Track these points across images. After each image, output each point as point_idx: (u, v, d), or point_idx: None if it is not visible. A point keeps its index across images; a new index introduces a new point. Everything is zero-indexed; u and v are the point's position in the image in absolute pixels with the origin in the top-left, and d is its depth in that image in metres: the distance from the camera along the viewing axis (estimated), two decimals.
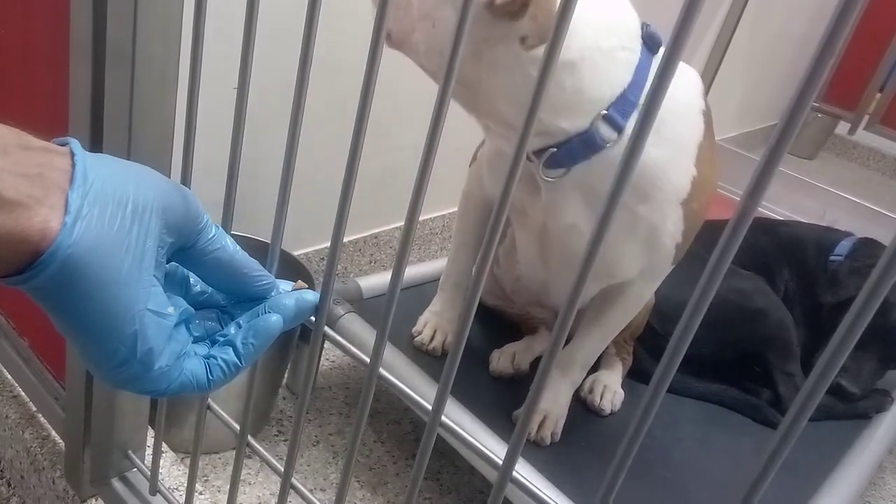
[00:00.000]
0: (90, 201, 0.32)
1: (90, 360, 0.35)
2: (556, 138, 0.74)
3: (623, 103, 0.72)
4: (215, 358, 0.39)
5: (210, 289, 0.43)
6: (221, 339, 0.41)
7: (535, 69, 0.70)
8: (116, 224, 0.33)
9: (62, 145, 0.34)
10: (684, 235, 0.82)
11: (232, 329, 0.41)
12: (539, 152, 0.76)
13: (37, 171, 0.31)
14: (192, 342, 0.41)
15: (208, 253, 0.40)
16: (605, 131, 0.73)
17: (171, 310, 0.37)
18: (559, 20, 0.30)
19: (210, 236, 0.40)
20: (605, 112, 0.72)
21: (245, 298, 0.43)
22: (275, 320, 0.41)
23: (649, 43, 0.74)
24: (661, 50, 0.74)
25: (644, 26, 0.75)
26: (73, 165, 0.33)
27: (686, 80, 0.80)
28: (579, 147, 0.74)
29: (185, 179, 0.53)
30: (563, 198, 0.80)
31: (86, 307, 0.33)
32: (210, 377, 0.39)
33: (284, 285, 0.45)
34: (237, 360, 0.40)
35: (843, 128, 2.93)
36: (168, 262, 0.41)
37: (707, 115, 0.81)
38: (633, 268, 0.84)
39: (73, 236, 0.31)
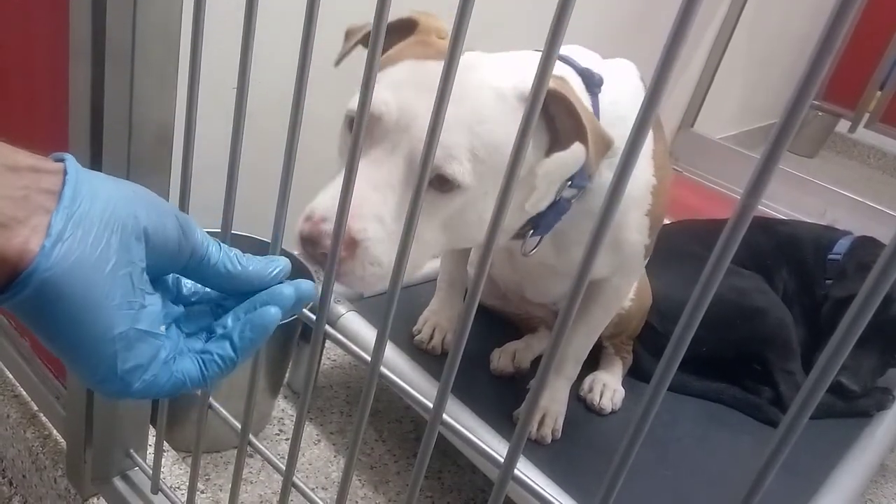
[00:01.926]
0: (75, 223, 0.32)
1: (75, 374, 0.36)
2: (530, 220, 0.76)
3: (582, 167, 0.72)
4: (210, 353, 0.39)
5: (202, 288, 0.43)
6: (220, 330, 0.41)
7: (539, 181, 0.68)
8: (101, 247, 0.33)
9: (59, 160, 0.34)
10: (650, 236, 0.85)
11: (229, 321, 0.41)
12: (518, 235, 0.78)
13: (22, 194, 0.31)
14: (186, 337, 0.40)
15: (214, 277, 0.40)
16: (570, 193, 0.75)
17: (162, 328, 0.37)
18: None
19: (213, 262, 0.40)
20: (569, 182, 0.73)
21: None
22: (273, 312, 0.41)
23: (590, 85, 0.73)
24: (604, 85, 0.73)
25: (583, 71, 0.73)
26: (64, 185, 0.33)
27: (627, 90, 0.78)
28: (552, 217, 0.76)
29: (185, 179, 0.53)
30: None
31: (65, 328, 0.33)
32: (205, 372, 0.39)
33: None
34: (233, 355, 0.40)
35: (843, 126, 2.93)
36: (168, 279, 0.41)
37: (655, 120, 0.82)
38: (604, 269, 0.86)
39: (51, 259, 0.31)
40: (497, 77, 0.65)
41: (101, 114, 0.56)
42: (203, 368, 0.39)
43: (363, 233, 0.58)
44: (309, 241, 0.57)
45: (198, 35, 0.47)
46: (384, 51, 0.69)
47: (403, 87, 0.62)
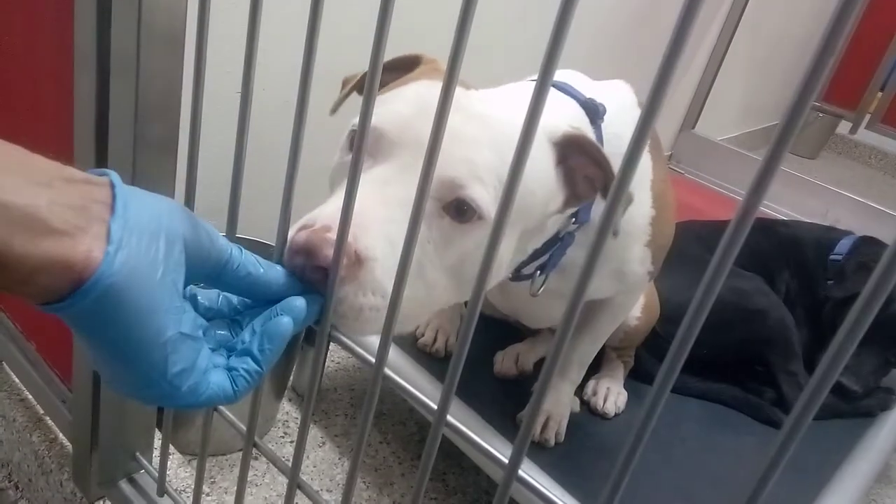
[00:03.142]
0: (129, 231, 0.34)
1: (120, 382, 0.37)
2: (536, 261, 0.73)
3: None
4: (237, 370, 0.41)
5: (217, 304, 0.45)
6: (240, 345, 0.42)
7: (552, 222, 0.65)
8: (151, 254, 0.35)
9: (101, 175, 0.36)
10: (654, 264, 0.83)
11: (247, 336, 0.42)
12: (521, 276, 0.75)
13: (80, 203, 0.33)
14: (211, 352, 0.42)
15: (237, 281, 0.42)
16: (571, 227, 0.72)
17: (200, 332, 0.39)
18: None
19: (236, 266, 0.41)
20: (573, 218, 0.70)
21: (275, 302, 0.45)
22: (286, 322, 0.42)
23: (593, 117, 0.71)
24: (606, 116, 0.71)
25: (586, 103, 0.71)
26: (114, 197, 0.34)
27: (628, 120, 0.74)
28: (558, 253, 0.74)
29: (190, 185, 0.53)
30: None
31: (121, 333, 0.34)
32: (235, 388, 0.41)
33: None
34: (258, 368, 0.41)
35: (844, 127, 2.93)
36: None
37: (653, 141, 0.80)
38: (609, 291, 0.86)
39: (114, 265, 0.32)
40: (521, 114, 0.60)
41: (106, 123, 0.56)
42: (233, 384, 0.41)
43: (370, 251, 0.48)
44: (304, 251, 0.46)
45: (202, 43, 0.48)
46: (386, 84, 0.65)
47: (418, 101, 0.57)
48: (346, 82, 0.71)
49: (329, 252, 0.44)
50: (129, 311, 0.33)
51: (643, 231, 0.79)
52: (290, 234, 0.48)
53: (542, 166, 0.60)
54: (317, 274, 0.45)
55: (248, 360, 0.41)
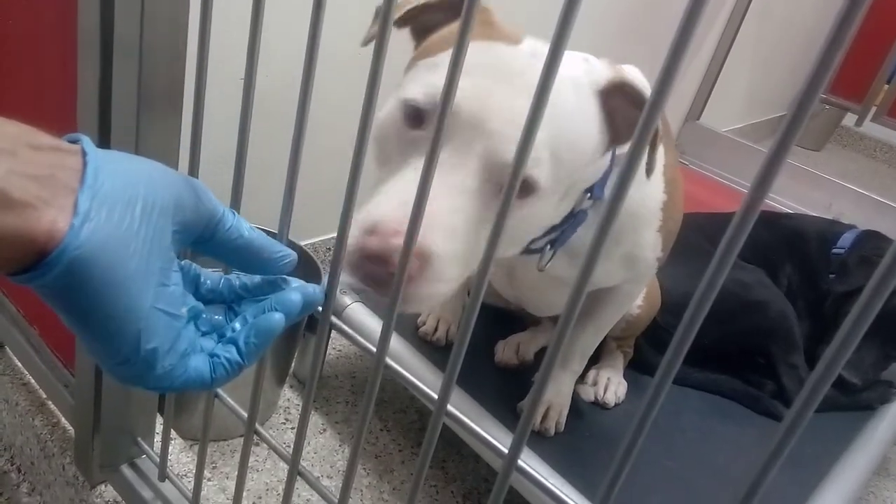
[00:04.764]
0: (99, 202, 0.32)
1: (96, 356, 0.36)
2: (549, 235, 0.72)
3: (603, 175, 0.69)
4: (218, 356, 0.40)
5: (219, 286, 0.44)
6: (229, 333, 0.41)
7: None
8: (125, 225, 0.33)
9: (73, 142, 0.34)
10: (664, 250, 0.83)
11: (237, 324, 0.42)
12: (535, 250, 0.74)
13: (47, 172, 0.31)
14: (201, 336, 0.41)
15: (229, 242, 0.40)
16: (586, 203, 0.70)
17: (184, 311, 0.38)
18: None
19: (227, 227, 0.40)
20: (588, 193, 0.69)
21: (267, 275, 0.44)
22: (277, 318, 0.41)
23: None
24: None
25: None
26: (85, 165, 0.33)
27: None
28: (570, 229, 0.72)
29: (193, 170, 0.53)
30: (521, 261, 0.78)
31: (91, 306, 0.33)
32: (214, 375, 0.39)
33: (295, 281, 0.45)
34: (240, 359, 0.40)
35: (850, 119, 2.91)
36: (185, 254, 0.41)
37: (664, 126, 0.78)
38: (616, 280, 0.85)
39: (80, 238, 0.31)
40: (568, 67, 0.57)
41: (108, 106, 0.56)
42: (212, 371, 0.39)
43: (436, 246, 0.49)
44: (376, 259, 0.47)
45: (206, 25, 0.48)
46: (428, 28, 0.64)
47: (475, 73, 0.53)
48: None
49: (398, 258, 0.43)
50: (98, 284, 0.32)
51: (655, 216, 0.79)
52: (355, 235, 0.48)
53: (588, 127, 0.60)
54: (387, 280, 0.46)
55: (233, 349, 0.40)
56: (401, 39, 0.64)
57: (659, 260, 0.83)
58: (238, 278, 0.44)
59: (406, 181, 0.53)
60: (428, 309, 0.51)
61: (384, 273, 0.48)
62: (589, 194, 0.69)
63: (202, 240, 0.39)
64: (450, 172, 0.52)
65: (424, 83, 0.57)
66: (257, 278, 0.45)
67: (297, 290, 0.43)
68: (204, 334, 0.41)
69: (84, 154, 0.33)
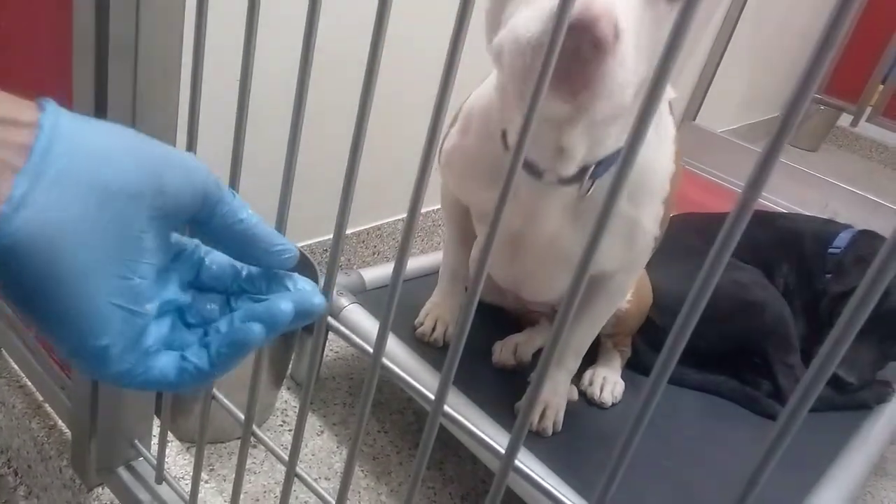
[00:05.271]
0: (46, 185, 0.28)
1: (50, 341, 0.32)
2: (596, 158, 0.72)
3: None
4: (188, 361, 0.36)
5: (224, 274, 0.40)
6: (212, 333, 0.37)
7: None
8: (75, 211, 0.29)
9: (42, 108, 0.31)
10: (661, 229, 0.83)
11: (222, 326, 0.37)
12: (571, 177, 0.73)
13: None
14: (187, 329, 0.38)
15: (225, 228, 0.36)
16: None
17: (148, 307, 0.34)
18: None
19: (225, 210, 0.36)
20: None
21: (267, 269, 0.40)
22: (255, 332, 0.36)
23: None
24: None
25: None
26: (36, 140, 0.29)
27: None
28: (609, 161, 0.72)
29: None
30: (545, 205, 0.78)
31: (29, 299, 0.30)
32: (180, 379, 0.35)
33: (303, 283, 0.40)
34: (207, 369, 0.36)
35: (845, 119, 2.92)
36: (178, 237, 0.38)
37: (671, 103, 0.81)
38: (615, 262, 0.85)
39: (11, 226, 0.28)
40: None
41: (104, 107, 0.56)
42: (180, 374, 0.35)
43: (623, 23, 0.51)
44: (583, 27, 0.49)
45: (201, 27, 0.48)
46: None
47: None
48: None
49: (606, 29, 0.49)
50: (36, 277, 0.29)
51: (663, 187, 0.79)
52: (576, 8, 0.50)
53: None
54: (590, 51, 0.50)
55: (204, 357, 0.36)
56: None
57: (656, 240, 0.83)
58: (247, 269, 0.40)
59: None
60: (608, 104, 0.54)
61: (586, 41, 0.50)
62: None
63: (198, 222, 0.35)
64: None
65: None
66: (262, 272, 0.40)
67: (289, 299, 0.38)
68: (192, 326, 0.38)
69: (39, 128, 0.29)
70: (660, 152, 0.77)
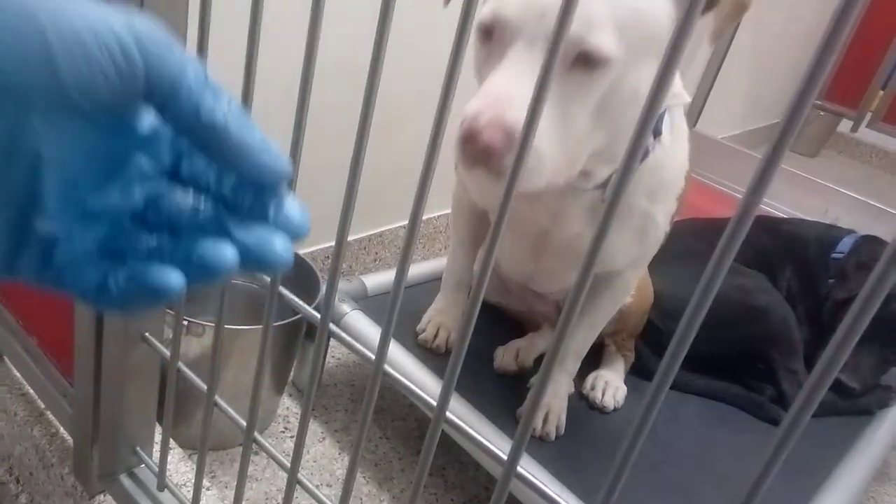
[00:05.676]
0: None
1: None
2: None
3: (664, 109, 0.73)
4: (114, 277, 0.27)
5: (203, 182, 0.30)
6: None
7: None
8: None
9: None
10: (671, 226, 0.85)
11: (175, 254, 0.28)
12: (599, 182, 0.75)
13: None
14: (154, 231, 0.29)
15: (183, 122, 0.26)
16: (650, 141, 0.74)
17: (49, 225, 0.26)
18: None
19: (183, 99, 0.25)
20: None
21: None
22: (228, 255, 0.28)
23: None
24: None
25: None
26: None
27: None
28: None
29: None
30: (571, 206, 0.80)
31: None
32: (97, 297, 0.28)
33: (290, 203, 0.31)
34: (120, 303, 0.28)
35: (845, 125, 2.93)
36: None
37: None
38: (625, 258, 0.86)
39: None
40: None
41: None
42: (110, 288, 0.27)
43: (519, 122, 0.55)
44: (469, 140, 0.57)
45: (204, 31, 0.48)
46: None
47: None
48: None
49: (488, 135, 0.56)
50: None
51: (678, 183, 0.81)
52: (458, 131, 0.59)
53: None
54: (484, 157, 0.57)
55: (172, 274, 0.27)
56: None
57: (665, 236, 0.85)
58: (232, 179, 0.29)
59: (490, 82, 0.61)
60: (525, 184, 0.60)
61: (478, 151, 0.57)
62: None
63: (164, 111, 0.26)
64: (518, 62, 0.60)
65: (489, 5, 0.63)
66: (247, 189, 0.29)
67: (279, 235, 0.30)
68: (153, 233, 0.28)
69: None
70: (675, 149, 0.78)
